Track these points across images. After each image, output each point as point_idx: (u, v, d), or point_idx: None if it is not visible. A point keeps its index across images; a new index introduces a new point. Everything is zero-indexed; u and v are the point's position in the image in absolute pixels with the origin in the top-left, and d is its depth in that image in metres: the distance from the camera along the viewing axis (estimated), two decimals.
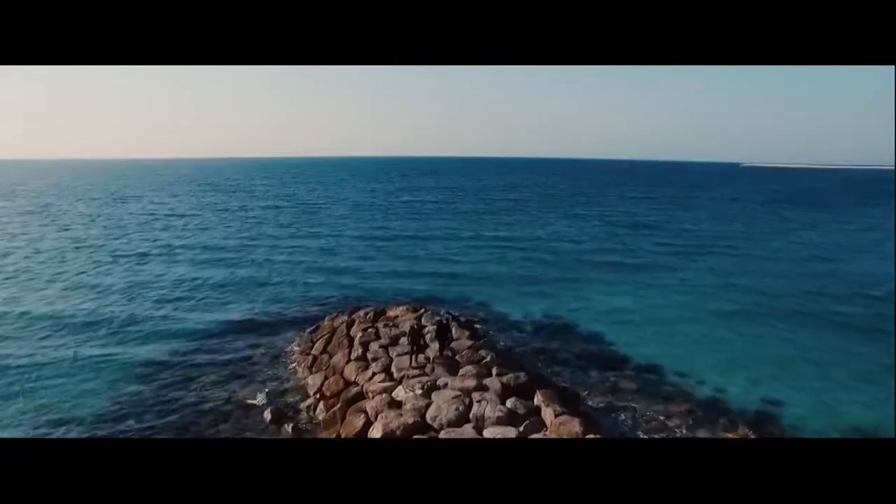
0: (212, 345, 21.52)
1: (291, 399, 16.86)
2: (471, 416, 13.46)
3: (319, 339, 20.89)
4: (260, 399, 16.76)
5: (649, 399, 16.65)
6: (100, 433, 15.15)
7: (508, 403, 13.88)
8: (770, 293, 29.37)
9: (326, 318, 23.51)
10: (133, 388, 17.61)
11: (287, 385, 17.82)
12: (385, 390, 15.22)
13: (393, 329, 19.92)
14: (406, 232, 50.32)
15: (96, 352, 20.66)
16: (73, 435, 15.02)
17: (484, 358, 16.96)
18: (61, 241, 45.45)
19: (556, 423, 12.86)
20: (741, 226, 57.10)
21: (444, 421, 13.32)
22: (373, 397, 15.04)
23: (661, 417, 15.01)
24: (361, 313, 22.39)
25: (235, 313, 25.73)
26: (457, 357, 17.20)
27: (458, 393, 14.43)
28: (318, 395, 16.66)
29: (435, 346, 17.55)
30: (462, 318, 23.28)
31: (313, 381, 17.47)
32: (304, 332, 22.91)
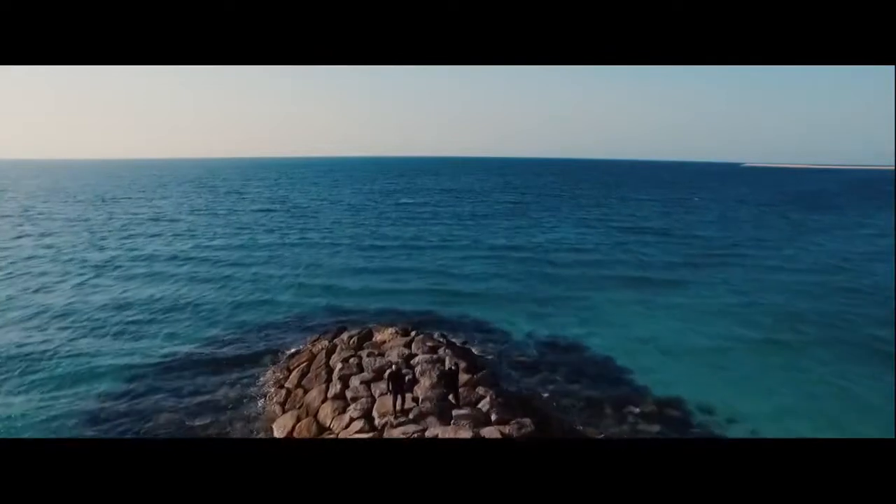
0: (173, 377, 18.66)
1: None
2: None
3: (296, 367, 18.44)
4: None
5: None
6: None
7: None
8: (797, 314, 26.35)
9: (308, 341, 21.13)
10: (73, 433, 15.08)
11: (254, 425, 15.56)
12: None
13: (378, 359, 17.30)
14: (400, 239, 46.79)
15: (17, 400, 16.81)
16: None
17: (482, 397, 14.88)
18: (23, 249, 41.41)
19: None
20: (750, 230, 54.48)
21: None
22: None
23: None
24: (345, 337, 19.94)
25: (204, 337, 22.74)
26: (450, 397, 14.81)
27: None
28: None
29: (425, 381, 15.50)
30: (458, 343, 20.97)
31: (284, 423, 15.28)
32: (281, 357, 20.39)
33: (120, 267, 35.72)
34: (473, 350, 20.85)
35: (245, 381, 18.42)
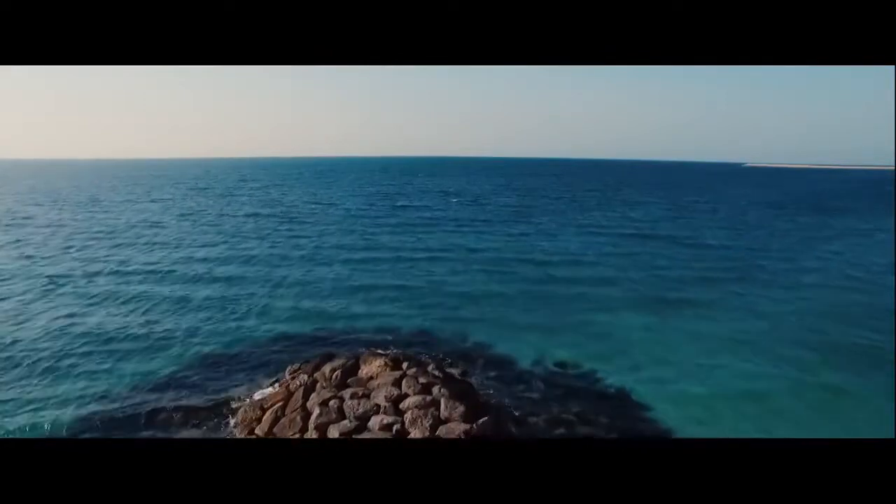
0: (124, 419, 16.19)
1: None
2: None
3: (271, 408, 16.10)
4: None
5: None
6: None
7: None
8: (832, 345, 22.72)
9: (288, 371, 18.64)
10: None
11: None
12: None
13: (363, 402, 15.28)
14: (395, 250, 42.88)
15: None
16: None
17: None
18: None
19: None
20: (761, 237, 50.80)
21: None
22: None
23: None
24: (327, 369, 17.58)
25: (168, 369, 19.76)
26: None
27: None
28: None
29: (415, 433, 13.93)
30: (456, 375, 18.61)
31: None
32: (256, 390, 17.99)
33: (73, 283, 31.66)
34: (473, 384, 18.37)
35: (213, 422, 16.14)
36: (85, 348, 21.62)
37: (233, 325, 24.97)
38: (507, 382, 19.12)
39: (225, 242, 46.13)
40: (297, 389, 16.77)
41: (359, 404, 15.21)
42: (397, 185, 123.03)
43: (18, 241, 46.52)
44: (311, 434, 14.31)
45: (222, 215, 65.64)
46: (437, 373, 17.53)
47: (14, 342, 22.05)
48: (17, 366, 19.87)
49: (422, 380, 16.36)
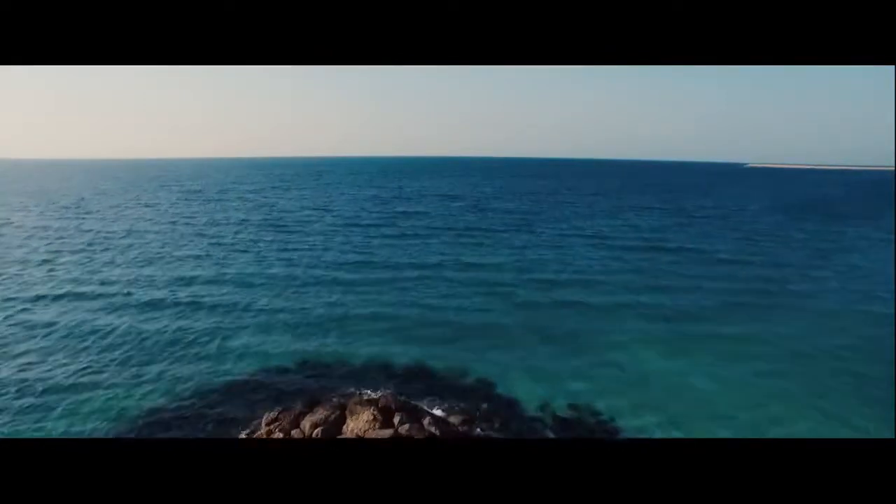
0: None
1: None
2: None
3: None
4: None
5: None
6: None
7: None
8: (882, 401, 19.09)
9: (264, 421, 16.28)
10: None
11: None
12: None
13: None
14: (391, 267, 38.41)
15: None
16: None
17: None
18: None
19: None
20: (777, 248, 47.96)
21: None
22: None
23: None
24: (308, 424, 15.47)
25: (116, 422, 16.68)
26: None
27: None
28: None
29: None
30: (456, 423, 16.46)
31: None
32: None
33: (14, 306, 27.51)
34: (473, 425, 16.40)
35: None
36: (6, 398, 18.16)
37: (204, 364, 21.21)
38: (512, 427, 16.62)
39: (208, 257, 41.24)
40: None
41: None
42: (396, 188, 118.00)
43: None
44: None
45: (211, 224, 60.75)
46: (433, 429, 15.47)
47: None
48: None
49: (417, 436, 14.69)
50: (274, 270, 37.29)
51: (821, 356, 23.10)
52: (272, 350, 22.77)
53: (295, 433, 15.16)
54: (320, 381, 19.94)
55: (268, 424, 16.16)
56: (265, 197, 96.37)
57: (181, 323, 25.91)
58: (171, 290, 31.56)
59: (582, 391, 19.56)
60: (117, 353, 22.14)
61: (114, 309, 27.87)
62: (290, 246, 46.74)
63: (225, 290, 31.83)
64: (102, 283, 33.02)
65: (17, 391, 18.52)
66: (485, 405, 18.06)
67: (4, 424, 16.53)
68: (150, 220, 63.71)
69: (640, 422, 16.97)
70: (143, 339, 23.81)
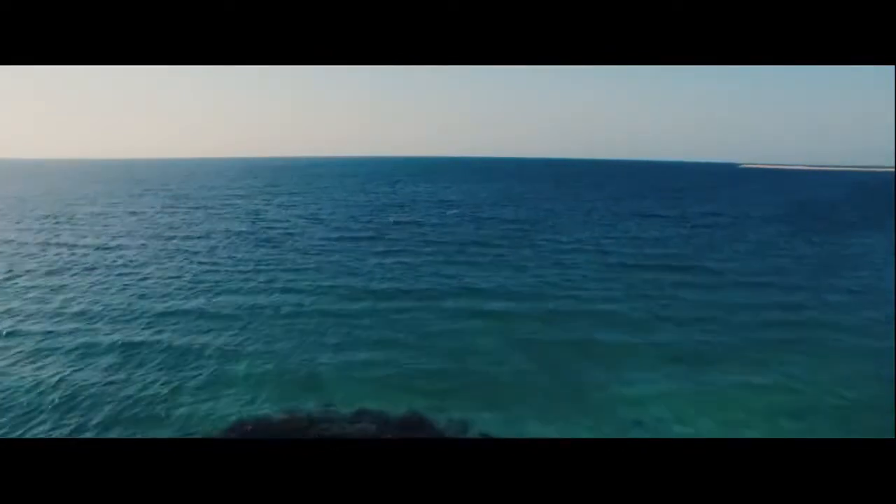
0: None
1: None
2: None
3: None
4: None
5: None
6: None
7: None
8: None
9: None
10: None
11: None
12: None
13: None
14: (380, 295, 32.37)
15: None
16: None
17: None
18: None
19: None
20: (784, 263, 42.71)
21: None
22: None
23: None
24: None
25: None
26: None
27: None
28: None
29: None
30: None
31: None
32: None
33: None
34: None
35: None
36: None
37: (158, 410, 17.34)
38: None
39: (178, 278, 35.58)
40: None
41: None
42: (391, 193, 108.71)
43: None
44: None
45: (192, 237, 53.17)
46: None
47: None
48: None
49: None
50: (252, 300, 30.41)
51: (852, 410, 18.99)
52: (240, 398, 18.40)
53: None
54: (295, 432, 16.52)
55: None
56: (254, 203, 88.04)
57: (119, 376, 20.12)
58: (123, 330, 25.14)
59: None
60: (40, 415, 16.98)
61: (43, 355, 21.83)
62: (274, 264, 40.22)
63: (192, 327, 25.70)
64: (50, 317, 26.61)
65: None
66: None
67: None
68: (127, 233, 55.51)
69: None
70: (75, 394, 18.45)
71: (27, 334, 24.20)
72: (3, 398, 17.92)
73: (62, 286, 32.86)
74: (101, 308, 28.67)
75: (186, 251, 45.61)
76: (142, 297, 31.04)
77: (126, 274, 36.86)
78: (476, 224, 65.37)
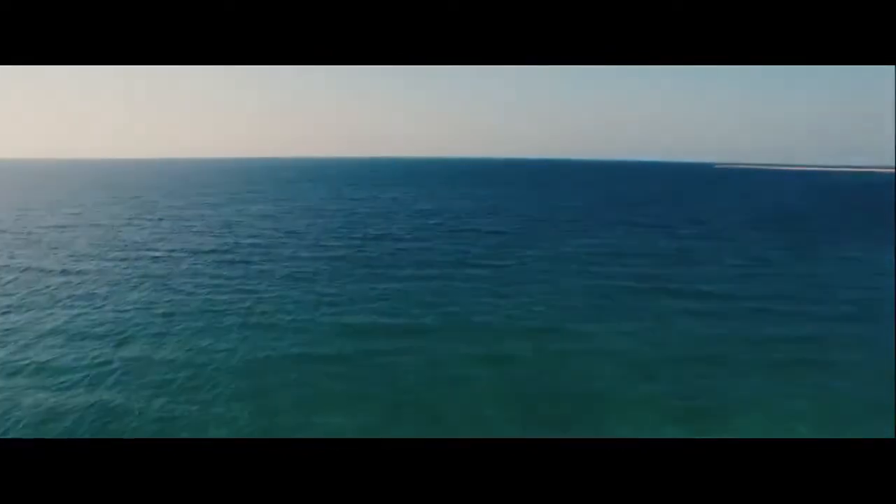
0: None
1: None
2: None
3: None
4: None
5: None
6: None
7: None
8: None
9: None
10: None
11: None
12: None
13: None
14: (346, 332, 24.63)
15: None
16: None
17: None
18: None
19: None
20: (779, 284, 35.69)
21: None
22: None
23: None
24: None
25: None
26: None
27: None
28: None
29: None
30: None
31: None
32: None
33: None
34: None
35: None
36: None
37: None
38: None
39: (120, 313, 27.05)
40: None
41: None
42: (369, 201, 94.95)
43: None
44: None
45: (154, 260, 41.94)
46: None
47: None
48: None
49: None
50: (199, 343, 22.79)
51: None
52: None
53: None
54: None
55: None
56: (224, 212, 77.44)
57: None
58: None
59: None
60: None
61: None
62: (232, 295, 31.82)
63: (116, 388, 18.51)
64: None
65: None
66: None
67: None
68: (83, 254, 44.31)
69: None
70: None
71: None
72: None
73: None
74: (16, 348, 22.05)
75: (145, 275, 35.39)
76: (73, 341, 23.07)
77: (67, 305, 28.16)
78: (456, 239, 44.94)
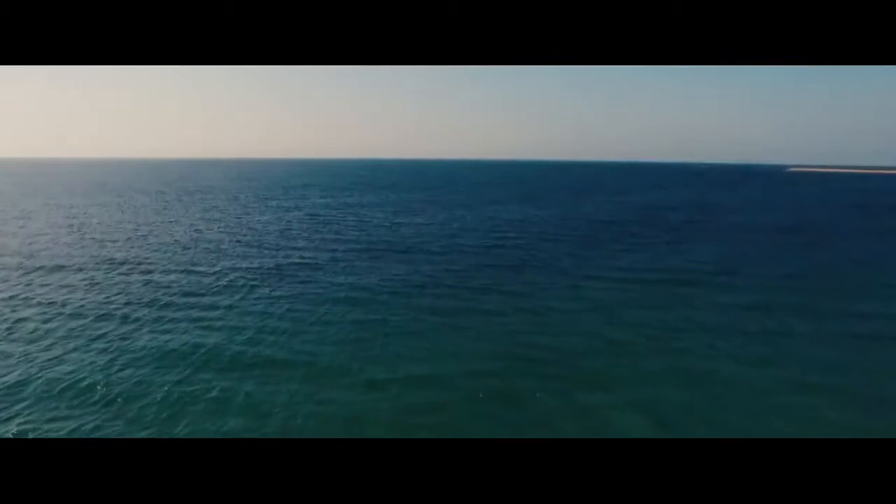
0: None
1: None
2: None
3: None
4: None
5: None
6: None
7: None
8: None
9: None
10: None
11: None
12: None
13: None
14: (338, 363, 18.57)
15: None
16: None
17: None
18: None
19: None
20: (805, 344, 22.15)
21: None
22: None
23: None
24: None
25: None
26: None
27: None
28: None
29: None
30: None
31: None
32: None
33: None
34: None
35: None
36: None
37: None
38: None
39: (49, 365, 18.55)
40: None
41: None
42: (357, 208, 79.39)
43: None
44: None
45: (114, 285, 30.65)
46: None
47: None
48: None
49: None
50: (131, 392, 16.69)
51: None
52: None
53: None
54: None
55: None
56: (213, 215, 67.28)
57: None
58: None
59: None
60: None
61: None
62: (215, 304, 26.13)
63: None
64: None
65: None
66: None
67: None
68: (60, 266, 35.32)
69: None
70: None
71: None
72: None
73: None
74: None
75: (91, 302, 26.19)
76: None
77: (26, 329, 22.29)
78: (433, 260, 24.96)
